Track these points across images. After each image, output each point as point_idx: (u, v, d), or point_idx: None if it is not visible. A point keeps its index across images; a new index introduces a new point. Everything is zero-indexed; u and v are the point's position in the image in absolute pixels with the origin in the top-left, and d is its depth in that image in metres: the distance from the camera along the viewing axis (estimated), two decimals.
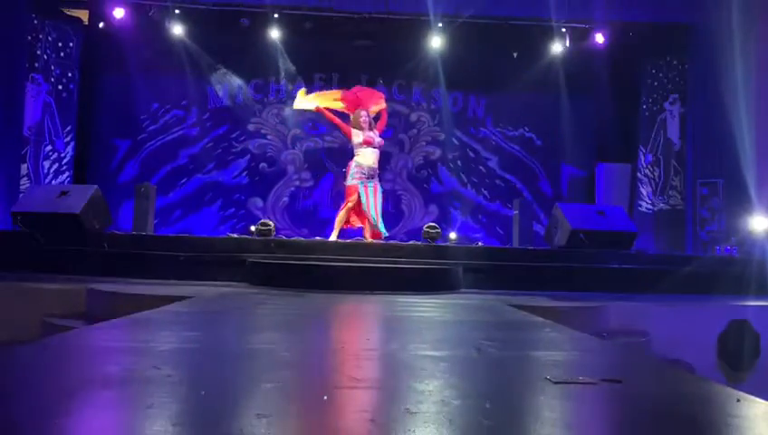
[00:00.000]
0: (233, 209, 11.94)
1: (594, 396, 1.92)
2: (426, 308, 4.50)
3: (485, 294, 5.85)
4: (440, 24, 11.18)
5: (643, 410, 1.80)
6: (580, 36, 11.66)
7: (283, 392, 1.88)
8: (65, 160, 11.18)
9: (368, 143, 8.11)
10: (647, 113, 11.63)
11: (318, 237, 9.60)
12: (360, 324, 4.03)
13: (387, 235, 8.29)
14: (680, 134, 10.90)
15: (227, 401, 1.74)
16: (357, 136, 8.13)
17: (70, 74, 11.25)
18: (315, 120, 11.70)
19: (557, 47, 11.56)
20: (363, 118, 8.15)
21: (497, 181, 12.30)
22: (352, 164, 8.13)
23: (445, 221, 11.59)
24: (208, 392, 1.80)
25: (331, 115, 8.30)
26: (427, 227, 8.71)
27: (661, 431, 1.61)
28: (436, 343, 3.06)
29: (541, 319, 3.94)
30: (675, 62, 11.13)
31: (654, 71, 11.54)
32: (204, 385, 1.90)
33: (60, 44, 11.11)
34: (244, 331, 3.32)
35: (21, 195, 9.46)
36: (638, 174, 11.66)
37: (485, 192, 12.27)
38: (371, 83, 12.17)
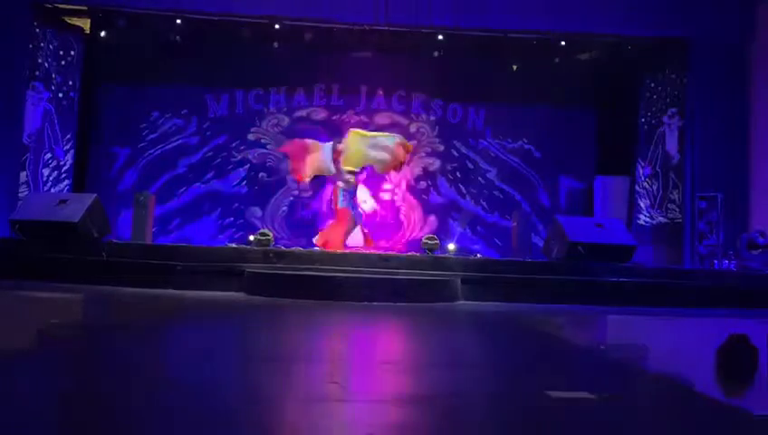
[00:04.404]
0: (231, 219, 11.91)
1: (592, 411, 1.91)
2: (424, 319, 4.49)
3: (483, 306, 5.84)
4: (440, 37, 11.22)
5: (641, 424, 1.79)
6: (579, 49, 11.70)
7: (277, 402, 1.87)
8: (65, 168, 11.17)
9: None
10: (645, 127, 11.66)
11: (316, 247, 9.60)
12: (359, 336, 4.02)
13: None
14: (679, 148, 10.92)
15: (228, 411, 1.73)
16: None
17: (70, 82, 11.27)
18: (315, 130, 11.76)
19: (556, 60, 11.60)
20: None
21: (496, 193, 12.31)
22: None
23: (443, 232, 11.58)
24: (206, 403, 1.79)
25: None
26: (426, 238, 8.72)
27: None
28: (434, 355, 3.06)
29: (538, 331, 3.93)
30: (673, 76, 11.17)
31: (653, 84, 11.58)
32: (202, 393, 1.90)
33: (61, 53, 11.13)
34: (240, 340, 3.31)
35: (19, 202, 9.44)
36: (637, 187, 11.68)
37: (484, 203, 12.27)
38: (371, 94, 12.23)
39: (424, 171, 12.28)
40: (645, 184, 11.54)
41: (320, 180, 12.00)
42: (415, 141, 12.25)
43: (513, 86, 11.89)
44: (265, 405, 1.84)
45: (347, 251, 8.85)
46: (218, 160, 12.00)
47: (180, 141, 11.99)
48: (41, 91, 10.82)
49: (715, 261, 9.72)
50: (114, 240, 8.28)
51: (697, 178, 10.36)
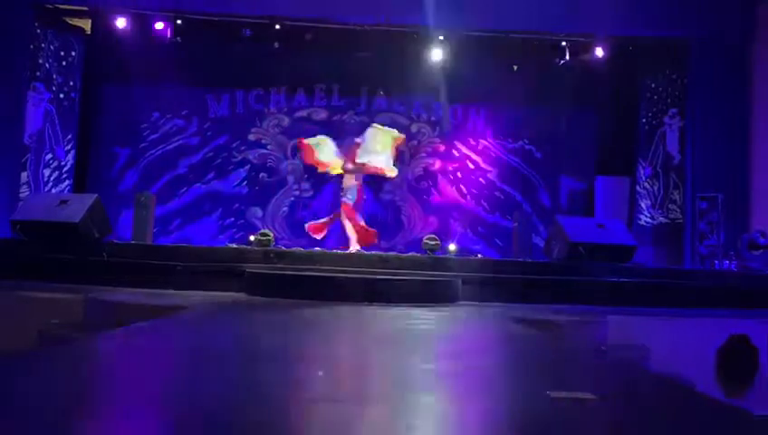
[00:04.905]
0: (232, 219, 11.93)
1: (592, 411, 1.91)
2: (425, 321, 4.49)
3: (484, 307, 5.84)
4: (441, 37, 11.23)
5: (641, 424, 1.79)
6: (580, 50, 11.71)
7: (279, 404, 1.88)
8: (66, 169, 11.19)
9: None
10: (646, 127, 11.66)
11: (317, 248, 9.60)
12: (360, 337, 4.02)
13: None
14: (679, 148, 10.92)
15: (227, 411, 1.73)
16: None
17: (71, 83, 11.28)
18: (316, 130, 11.77)
19: (557, 61, 11.61)
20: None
21: (497, 193, 12.32)
22: None
23: (444, 233, 11.58)
24: (204, 404, 1.80)
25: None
26: (427, 239, 8.72)
27: None
28: (435, 357, 3.06)
29: (540, 332, 3.93)
30: (674, 77, 11.17)
31: (653, 85, 11.58)
32: (204, 395, 1.90)
33: (62, 53, 11.15)
34: (241, 341, 3.32)
35: (20, 203, 9.45)
36: (638, 187, 11.68)
37: (485, 204, 12.28)
38: (372, 94, 12.25)
39: (425, 171, 12.29)
40: (646, 184, 11.54)
41: (320, 182, 12.02)
42: (415, 141, 12.27)
43: (514, 87, 11.89)
44: (265, 405, 1.84)
45: (351, 251, 8.86)
46: (219, 161, 12.02)
47: (181, 142, 12.01)
48: (42, 91, 10.83)
49: (716, 261, 9.71)
50: (115, 240, 8.28)
51: (698, 178, 10.36)
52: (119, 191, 11.65)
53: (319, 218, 10.91)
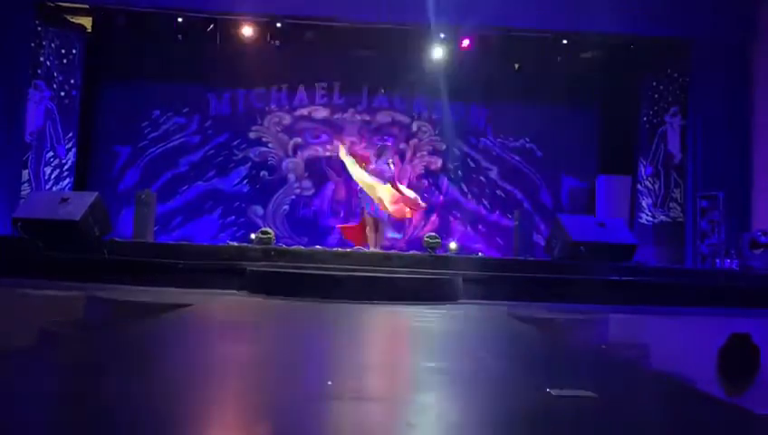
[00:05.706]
0: (233, 217, 11.94)
1: (594, 410, 1.91)
2: (426, 319, 4.49)
3: (485, 305, 5.84)
4: (442, 35, 11.22)
5: (641, 424, 1.79)
6: (581, 48, 11.70)
7: (281, 402, 1.87)
8: (66, 167, 11.19)
9: None
10: (647, 126, 11.65)
11: (318, 246, 9.61)
12: (361, 336, 4.02)
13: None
14: (681, 147, 10.92)
15: (226, 411, 1.73)
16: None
17: (72, 81, 11.28)
18: (317, 129, 11.78)
19: (558, 59, 11.60)
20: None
21: (498, 192, 12.32)
22: None
23: (445, 231, 11.59)
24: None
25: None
26: (428, 237, 8.73)
27: None
28: (437, 355, 3.06)
29: (541, 331, 3.93)
30: (675, 75, 11.17)
31: (655, 83, 11.57)
32: (204, 394, 1.90)
33: (63, 51, 11.15)
34: (243, 341, 3.32)
35: (21, 201, 9.46)
36: (639, 186, 11.67)
37: (486, 202, 12.29)
38: (372, 93, 12.25)
39: (425, 170, 12.30)
40: (647, 183, 11.54)
41: (321, 180, 12.04)
42: (416, 140, 12.28)
43: (515, 85, 11.90)
44: (264, 405, 1.84)
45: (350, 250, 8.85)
46: (220, 159, 12.03)
47: (182, 140, 12.02)
48: (43, 89, 10.83)
49: (717, 260, 9.71)
50: (116, 238, 8.28)
51: (699, 176, 10.36)
52: (119, 189, 11.67)
53: (318, 217, 10.93)
